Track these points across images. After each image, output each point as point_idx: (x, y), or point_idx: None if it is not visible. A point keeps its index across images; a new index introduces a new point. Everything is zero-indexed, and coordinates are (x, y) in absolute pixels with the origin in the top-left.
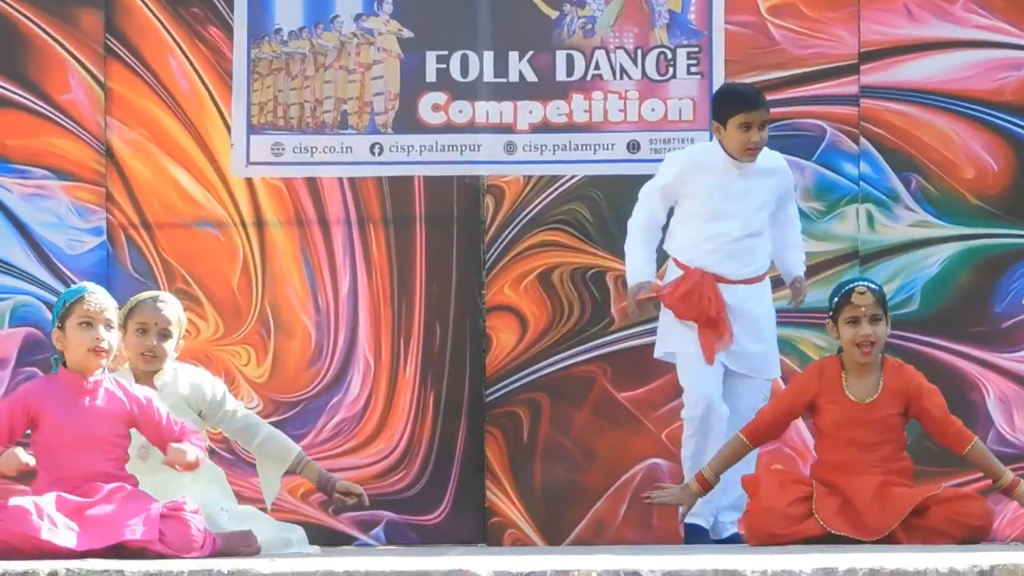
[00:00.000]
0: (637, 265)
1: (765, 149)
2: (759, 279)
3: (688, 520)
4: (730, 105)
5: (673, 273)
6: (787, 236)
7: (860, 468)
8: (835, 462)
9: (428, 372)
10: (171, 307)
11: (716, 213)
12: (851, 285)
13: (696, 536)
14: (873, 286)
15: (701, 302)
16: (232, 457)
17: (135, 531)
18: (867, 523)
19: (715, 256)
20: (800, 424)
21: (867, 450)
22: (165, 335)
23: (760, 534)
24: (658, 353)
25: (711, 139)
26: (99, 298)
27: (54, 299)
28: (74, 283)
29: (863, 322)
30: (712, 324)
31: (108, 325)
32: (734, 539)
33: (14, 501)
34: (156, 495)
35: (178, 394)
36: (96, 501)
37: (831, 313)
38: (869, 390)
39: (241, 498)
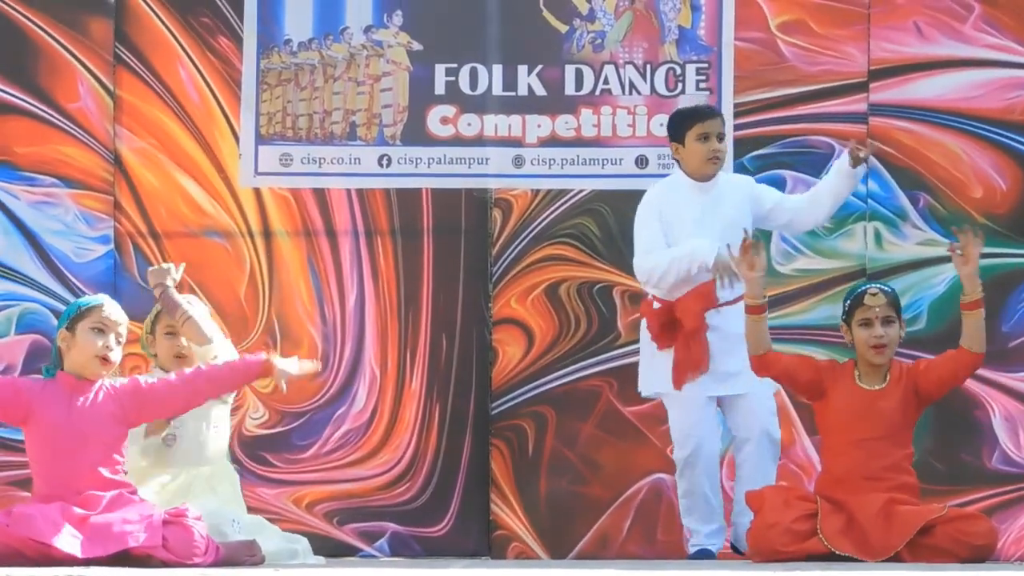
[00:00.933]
0: (685, 249)
1: (722, 175)
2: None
3: (694, 546)
4: (685, 119)
5: (649, 309)
6: (801, 204)
7: (866, 482)
8: (841, 472)
9: (434, 384)
10: (195, 308)
11: (690, 237)
12: (864, 288)
13: (701, 552)
14: (886, 288)
15: (681, 317)
16: (235, 466)
17: (138, 538)
18: (872, 543)
19: (696, 279)
20: (805, 440)
21: (874, 454)
22: None
23: (764, 551)
24: (644, 392)
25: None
26: (116, 311)
27: (61, 307)
28: (81, 291)
29: (876, 324)
30: (687, 347)
31: (118, 338)
32: (705, 554)
33: (19, 507)
34: (178, 493)
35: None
36: (99, 511)
37: (844, 316)
38: (877, 379)
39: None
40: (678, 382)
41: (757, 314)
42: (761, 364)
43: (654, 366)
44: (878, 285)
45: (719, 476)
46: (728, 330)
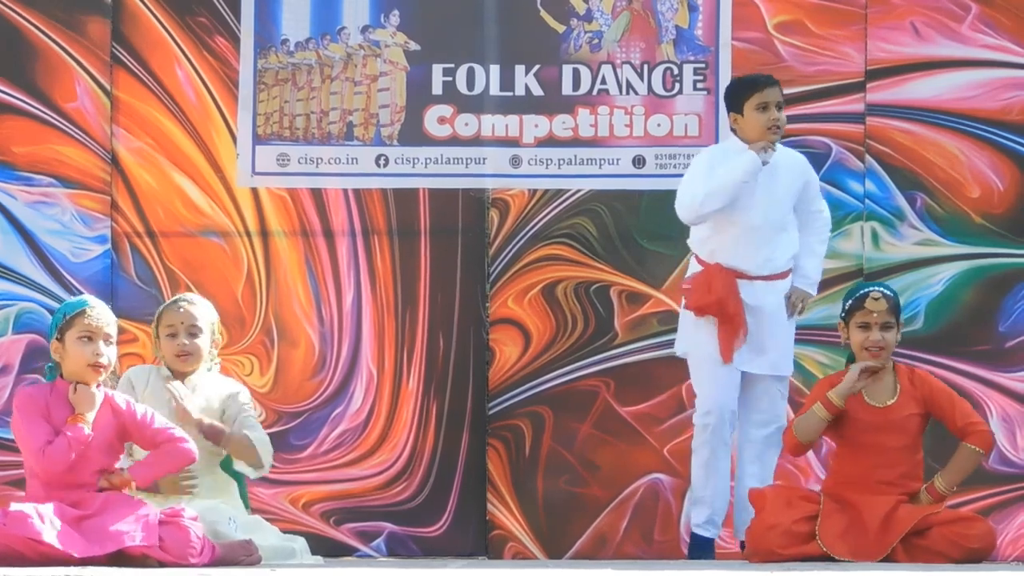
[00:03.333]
0: (726, 172)
1: (782, 147)
2: (779, 276)
3: (694, 531)
4: (744, 89)
5: (694, 269)
6: (804, 240)
7: (876, 486)
8: (852, 476)
9: (431, 384)
10: (197, 306)
11: (737, 202)
12: (866, 290)
13: (700, 548)
14: (889, 293)
15: (720, 296)
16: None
17: (135, 537)
18: (869, 547)
19: (735, 248)
20: None
21: (887, 463)
22: (194, 333)
23: (761, 551)
24: (678, 351)
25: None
26: (100, 312)
27: (58, 306)
28: (79, 291)
29: (874, 328)
30: (730, 320)
31: (108, 340)
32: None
33: (15, 506)
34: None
35: (208, 396)
36: (94, 511)
37: (843, 315)
38: (887, 393)
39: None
40: (727, 355)
41: (832, 414)
42: (801, 451)
43: (686, 326)
44: (881, 288)
45: (729, 452)
46: (758, 307)
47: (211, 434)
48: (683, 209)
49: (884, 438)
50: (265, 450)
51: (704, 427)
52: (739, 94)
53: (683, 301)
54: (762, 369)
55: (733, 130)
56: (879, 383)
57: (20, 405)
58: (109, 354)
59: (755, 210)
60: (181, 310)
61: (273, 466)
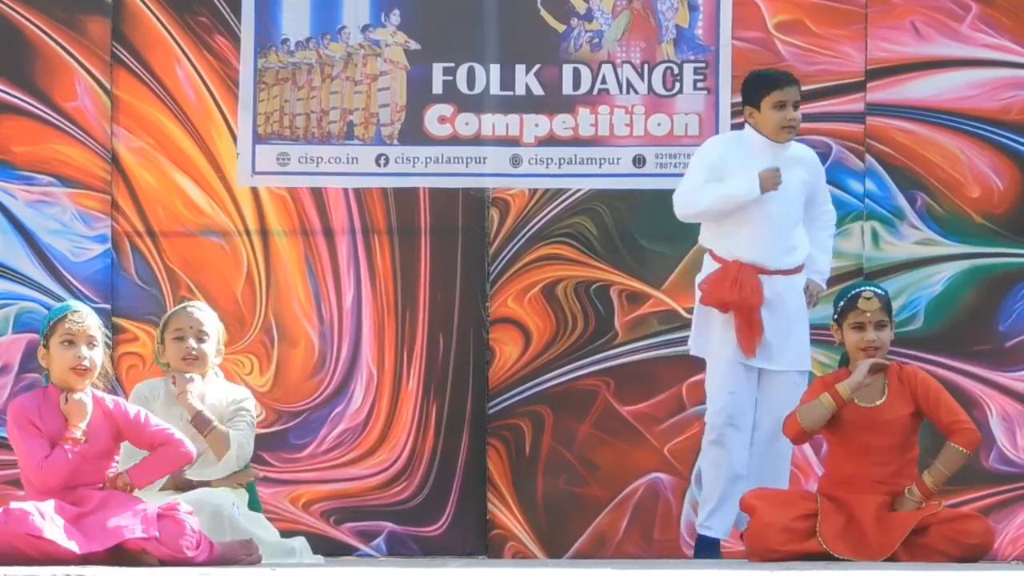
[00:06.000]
0: (726, 187)
1: (796, 143)
2: (796, 270)
3: (701, 532)
4: (763, 85)
5: (709, 267)
6: (813, 236)
7: (870, 485)
8: (844, 476)
9: (431, 384)
10: (205, 313)
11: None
12: (857, 290)
13: (706, 549)
14: (879, 291)
15: (743, 291)
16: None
17: (133, 530)
18: (870, 546)
19: (754, 242)
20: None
21: (879, 462)
22: (201, 338)
23: (760, 550)
24: (692, 349)
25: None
26: (81, 316)
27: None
28: (79, 290)
29: (868, 328)
30: (750, 316)
31: (91, 343)
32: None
33: (15, 504)
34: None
35: (213, 402)
36: (93, 508)
37: (836, 317)
38: (875, 393)
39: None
40: (750, 349)
41: (838, 406)
42: (803, 438)
43: (701, 326)
44: (871, 288)
45: (746, 453)
46: (779, 302)
47: (199, 422)
48: (680, 207)
49: (873, 438)
50: (240, 451)
51: (714, 427)
52: (757, 89)
53: (697, 299)
54: (783, 365)
55: (748, 123)
56: (870, 385)
57: (14, 418)
58: (93, 357)
59: (772, 204)
60: (191, 315)
61: (273, 465)
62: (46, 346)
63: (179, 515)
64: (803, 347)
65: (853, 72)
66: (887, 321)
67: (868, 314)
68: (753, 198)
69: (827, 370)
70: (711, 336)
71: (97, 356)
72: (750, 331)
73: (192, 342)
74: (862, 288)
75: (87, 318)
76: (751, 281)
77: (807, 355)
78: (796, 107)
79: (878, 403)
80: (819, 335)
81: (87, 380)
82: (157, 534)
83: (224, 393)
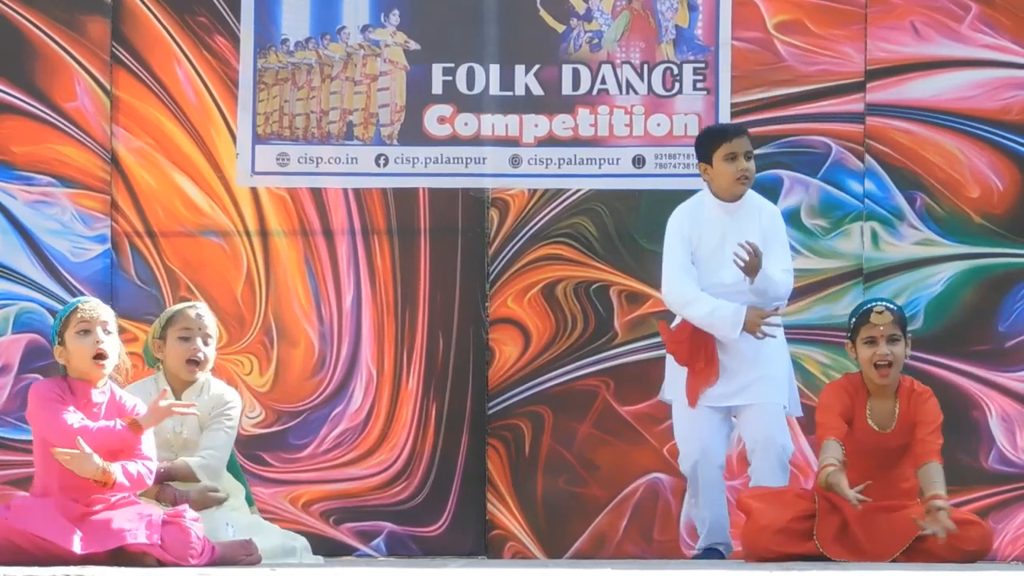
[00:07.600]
0: (712, 314)
1: (752, 193)
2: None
3: (706, 545)
4: (713, 139)
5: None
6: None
7: (867, 491)
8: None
9: (431, 384)
10: (209, 315)
11: (709, 264)
12: (869, 305)
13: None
14: (891, 306)
15: (693, 352)
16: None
17: (136, 535)
18: (867, 550)
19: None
20: (802, 439)
21: (878, 476)
22: (207, 342)
23: (756, 550)
24: (662, 396)
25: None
26: (94, 305)
27: (58, 306)
28: (78, 290)
29: (880, 342)
30: (700, 369)
31: (106, 329)
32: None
33: (18, 501)
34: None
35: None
36: (99, 508)
37: (849, 334)
38: (887, 418)
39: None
40: (692, 400)
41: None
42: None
43: (673, 374)
44: (884, 303)
45: (723, 489)
46: (739, 343)
47: (163, 495)
48: (668, 296)
49: (879, 461)
50: (207, 471)
51: (684, 472)
52: (707, 144)
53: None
54: (746, 400)
55: (706, 181)
56: (883, 404)
57: (39, 397)
58: (110, 343)
59: (727, 269)
60: (200, 317)
61: (273, 466)
62: (61, 343)
63: (185, 522)
64: (775, 382)
65: (853, 72)
66: (900, 336)
67: (880, 328)
68: (732, 337)
69: (827, 371)
70: (675, 384)
71: (113, 343)
72: (694, 383)
73: (200, 343)
74: (874, 303)
75: (100, 306)
76: (703, 345)
77: (784, 391)
78: (748, 157)
79: (888, 431)
80: (822, 336)
81: (106, 367)
82: (160, 541)
83: (211, 401)
